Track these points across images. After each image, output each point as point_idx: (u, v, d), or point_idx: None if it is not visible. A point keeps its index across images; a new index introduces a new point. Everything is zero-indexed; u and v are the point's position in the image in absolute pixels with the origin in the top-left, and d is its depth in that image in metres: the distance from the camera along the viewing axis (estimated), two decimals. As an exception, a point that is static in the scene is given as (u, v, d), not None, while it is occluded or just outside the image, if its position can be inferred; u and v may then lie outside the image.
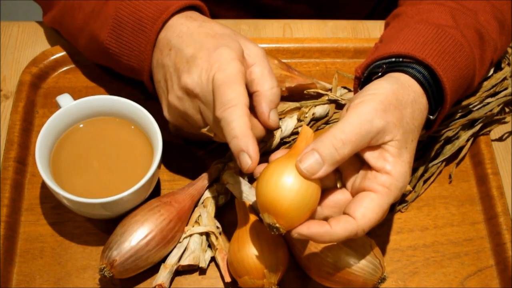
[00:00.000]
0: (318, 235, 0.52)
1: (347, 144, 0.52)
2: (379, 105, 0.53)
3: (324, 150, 0.51)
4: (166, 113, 0.62)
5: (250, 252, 0.58)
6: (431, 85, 0.58)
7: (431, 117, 0.59)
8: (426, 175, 0.69)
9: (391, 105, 0.53)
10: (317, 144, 0.52)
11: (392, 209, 0.67)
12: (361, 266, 0.57)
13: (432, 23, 0.61)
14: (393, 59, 0.59)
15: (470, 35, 0.62)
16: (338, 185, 0.56)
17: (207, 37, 0.58)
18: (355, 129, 0.52)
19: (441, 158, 0.69)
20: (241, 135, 0.52)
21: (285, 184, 0.51)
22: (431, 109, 0.58)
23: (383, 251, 0.65)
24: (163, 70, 0.60)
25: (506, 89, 0.72)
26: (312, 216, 0.54)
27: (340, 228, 0.52)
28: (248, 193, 0.64)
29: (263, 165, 0.55)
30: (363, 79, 0.62)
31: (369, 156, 0.54)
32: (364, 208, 0.52)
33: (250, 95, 0.58)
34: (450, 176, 0.70)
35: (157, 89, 0.63)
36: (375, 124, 0.52)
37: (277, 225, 0.52)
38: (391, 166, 0.53)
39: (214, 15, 0.67)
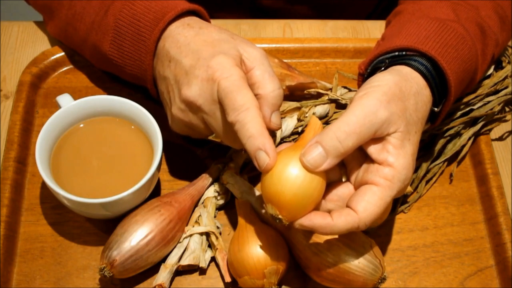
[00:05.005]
0: (319, 227, 0.52)
1: (352, 136, 0.51)
2: (383, 97, 0.53)
3: (328, 142, 0.51)
4: (170, 123, 0.62)
5: (250, 252, 0.58)
6: (434, 77, 0.57)
7: (436, 109, 0.59)
8: (428, 176, 0.69)
9: (395, 96, 0.53)
10: (321, 137, 0.52)
11: (394, 209, 0.67)
12: (361, 266, 0.57)
13: (434, 17, 0.61)
14: (396, 53, 0.59)
15: (471, 29, 0.62)
16: (343, 179, 0.56)
17: (204, 45, 0.58)
18: (359, 120, 0.52)
19: (442, 158, 0.69)
20: (257, 134, 0.53)
21: (289, 176, 0.52)
22: (435, 101, 0.58)
23: (383, 251, 0.65)
24: (165, 82, 0.60)
25: (506, 87, 0.72)
26: (316, 208, 0.54)
27: (342, 221, 0.52)
28: (248, 193, 0.64)
29: None
30: (367, 75, 0.62)
31: (372, 149, 0.54)
32: (365, 202, 0.52)
33: None
34: (451, 175, 0.70)
35: (161, 100, 0.63)
36: (380, 115, 0.52)
37: (279, 216, 0.52)
38: (394, 158, 0.53)
39: (214, 18, 0.67)
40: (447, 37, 0.59)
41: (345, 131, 0.51)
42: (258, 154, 0.52)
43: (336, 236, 0.58)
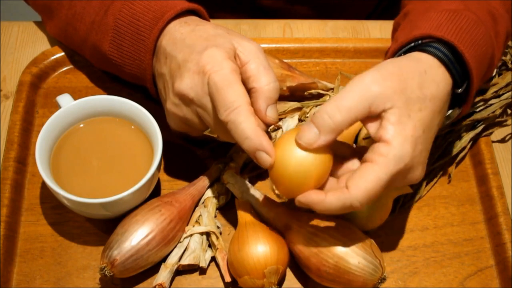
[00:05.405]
0: (313, 203, 0.53)
1: (342, 110, 0.51)
2: (377, 74, 0.52)
3: (319, 119, 0.52)
4: (168, 120, 0.62)
5: (250, 252, 0.58)
6: (453, 61, 0.56)
7: (458, 90, 0.57)
8: (429, 177, 0.69)
9: (392, 74, 0.53)
10: (314, 115, 0.52)
11: (394, 210, 0.67)
12: (361, 266, 0.57)
13: (443, 9, 0.60)
14: (412, 44, 0.59)
15: (483, 15, 0.61)
16: None
17: (199, 40, 0.58)
18: (350, 95, 0.51)
19: (443, 160, 0.69)
20: (253, 135, 0.53)
21: (284, 155, 0.53)
22: (457, 85, 0.57)
23: (383, 251, 0.65)
24: (162, 79, 0.60)
25: (509, 91, 0.72)
26: (322, 188, 0.55)
27: (334, 197, 0.52)
28: (248, 193, 0.64)
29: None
30: None
31: (370, 126, 0.53)
32: (358, 178, 0.51)
33: (247, 92, 0.58)
34: (449, 176, 0.70)
35: (160, 98, 0.63)
36: (373, 89, 0.52)
37: (276, 191, 0.53)
38: (390, 135, 0.51)
39: (214, 18, 0.67)
40: (460, 23, 0.58)
41: (335, 106, 0.51)
42: (258, 154, 0.53)
43: (333, 226, 0.58)
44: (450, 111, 0.61)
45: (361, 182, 0.51)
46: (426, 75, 0.54)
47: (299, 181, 0.53)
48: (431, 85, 0.54)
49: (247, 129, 0.53)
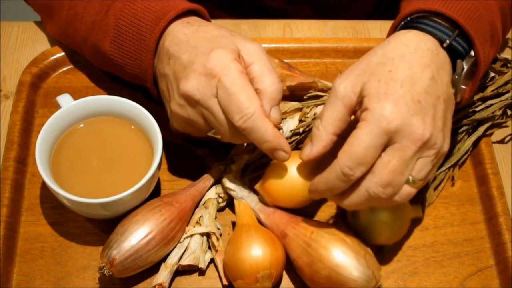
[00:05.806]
0: (317, 184, 0.56)
1: (321, 118, 0.55)
2: (344, 73, 0.56)
3: (311, 134, 0.56)
4: (171, 121, 0.62)
5: (243, 256, 0.57)
6: (430, 25, 0.57)
7: (447, 41, 0.57)
8: (436, 182, 0.68)
9: (356, 65, 0.56)
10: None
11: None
12: (352, 278, 0.56)
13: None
14: (402, 23, 0.60)
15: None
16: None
17: (203, 41, 0.58)
18: (326, 103, 0.56)
19: (447, 164, 0.69)
20: (272, 138, 0.56)
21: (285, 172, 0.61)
22: (458, 52, 0.58)
23: (383, 251, 0.65)
24: (165, 80, 0.60)
25: (508, 92, 0.71)
26: None
27: (327, 170, 0.54)
28: (247, 197, 0.63)
29: None
30: None
31: (358, 112, 0.55)
32: (343, 146, 0.53)
33: None
34: (452, 178, 0.70)
35: (162, 98, 0.63)
36: (338, 88, 0.55)
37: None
38: (367, 102, 0.53)
39: (214, 18, 0.67)
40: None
41: (317, 118, 0.56)
42: (276, 153, 0.57)
43: (326, 235, 0.58)
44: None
45: (345, 146, 0.53)
46: (389, 45, 0.56)
47: (289, 190, 0.61)
48: (398, 48, 0.56)
49: (266, 134, 0.56)
